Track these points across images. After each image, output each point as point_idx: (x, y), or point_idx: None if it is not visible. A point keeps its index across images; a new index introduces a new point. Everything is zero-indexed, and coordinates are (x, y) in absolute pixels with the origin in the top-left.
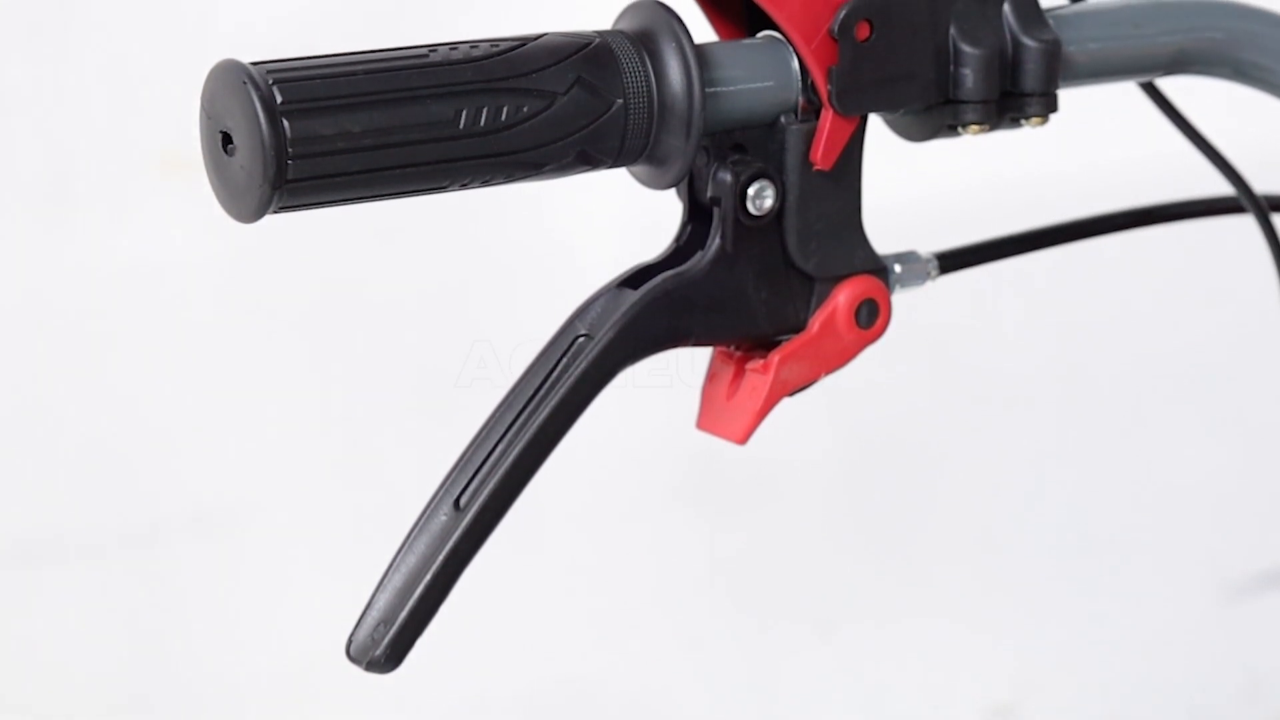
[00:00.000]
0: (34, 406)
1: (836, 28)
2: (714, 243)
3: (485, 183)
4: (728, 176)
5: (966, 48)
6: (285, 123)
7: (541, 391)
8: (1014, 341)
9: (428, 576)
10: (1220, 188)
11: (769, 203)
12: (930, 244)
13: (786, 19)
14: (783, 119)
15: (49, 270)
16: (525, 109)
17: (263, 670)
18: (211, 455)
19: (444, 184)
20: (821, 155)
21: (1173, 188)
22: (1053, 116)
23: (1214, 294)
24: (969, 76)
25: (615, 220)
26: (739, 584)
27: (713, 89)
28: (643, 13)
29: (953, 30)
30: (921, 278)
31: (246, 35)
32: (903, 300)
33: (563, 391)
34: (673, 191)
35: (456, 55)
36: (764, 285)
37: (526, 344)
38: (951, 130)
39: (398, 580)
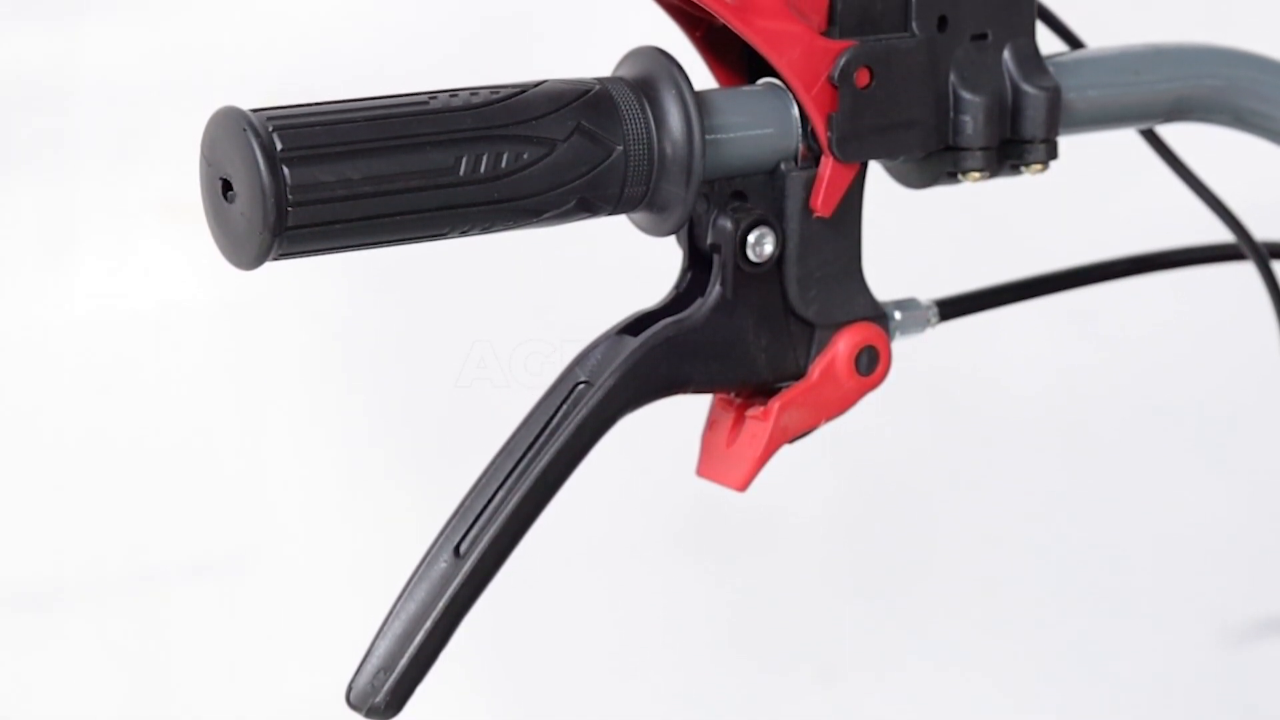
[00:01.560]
0: (35, 451)
1: (836, 75)
2: (714, 290)
3: (485, 230)
4: (728, 224)
5: (967, 95)
6: (285, 170)
7: (542, 438)
8: (1014, 388)
9: (428, 623)
10: (1220, 235)
11: (769, 250)
12: (930, 291)
13: (787, 66)
14: (783, 166)
15: (50, 315)
16: (525, 156)
17: (263, 716)
18: (212, 500)
19: (444, 231)
20: (822, 202)
21: (1173, 234)
22: (1053, 163)
23: (1214, 341)
24: (969, 123)
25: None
26: (739, 630)
27: (713, 136)
28: (643, 59)
29: (953, 77)
30: (922, 324)
31: (247, 82)
32: (903, 347)
33: (563, 438)
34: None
35: (456, 102)
36: (764, 332)
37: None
38: (952, 177)
39: (398, 627)
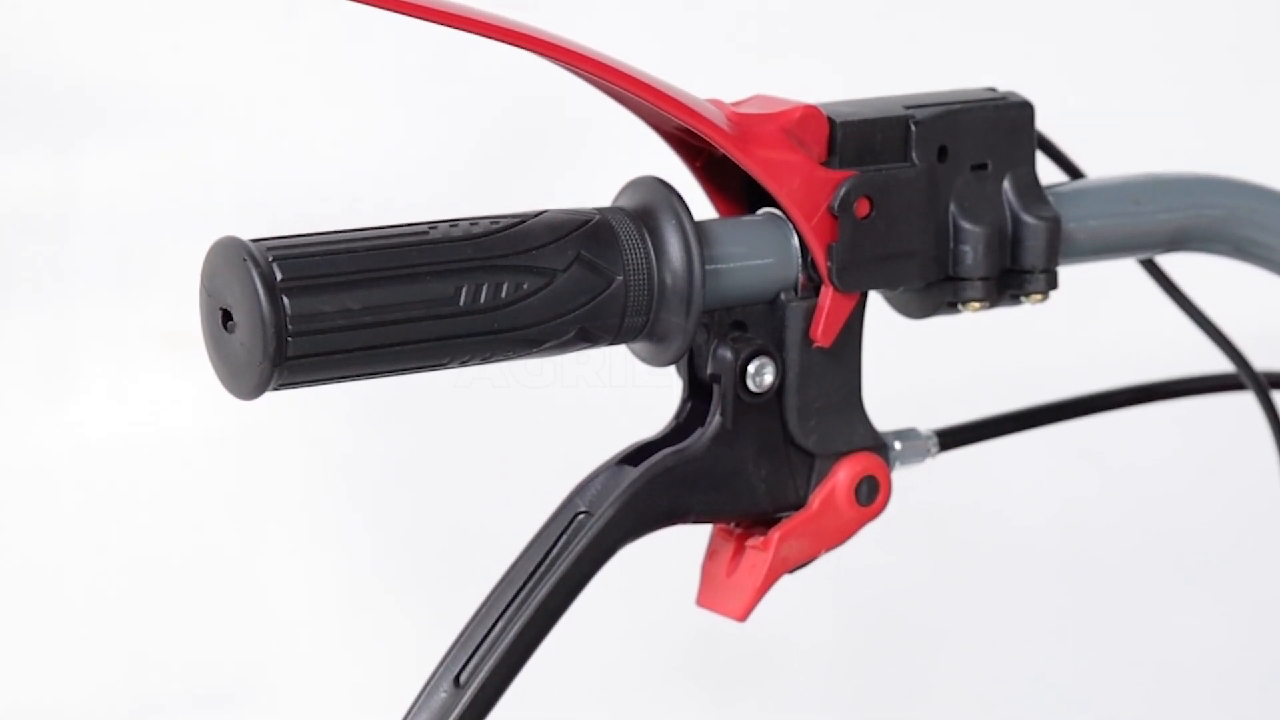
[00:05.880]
0: (33, 581)
1: (836, 205)
2: (714, 420)
3: (485, 360)
4: (728, 354)
5: (967, 225)
6: (285, 300)
7: (541, 568)
8: (1014, 518)
9: None
10: (1220, 365)
11: (769, 380)
12: (930, 421)
13: (787, 196)
14: (783, 296)
15: (48, 444)
16: (525, 286)
17: None
18: (212, 631)
19: (444, 361)
20: (821, 332)
21: (1173, 364)
22: (1053, 293)
23: (1214, 471)
24: (969, 254)
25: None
26: None
27: (713, 266)
28: (643, 189)
29: (953, 207)
30: (922, 455)
31: (247, 211)
32: (903, 477)
33: (563, 568)
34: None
35: (456, 232)
36: (764, 462)
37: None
38: (952, 307)
39: None
